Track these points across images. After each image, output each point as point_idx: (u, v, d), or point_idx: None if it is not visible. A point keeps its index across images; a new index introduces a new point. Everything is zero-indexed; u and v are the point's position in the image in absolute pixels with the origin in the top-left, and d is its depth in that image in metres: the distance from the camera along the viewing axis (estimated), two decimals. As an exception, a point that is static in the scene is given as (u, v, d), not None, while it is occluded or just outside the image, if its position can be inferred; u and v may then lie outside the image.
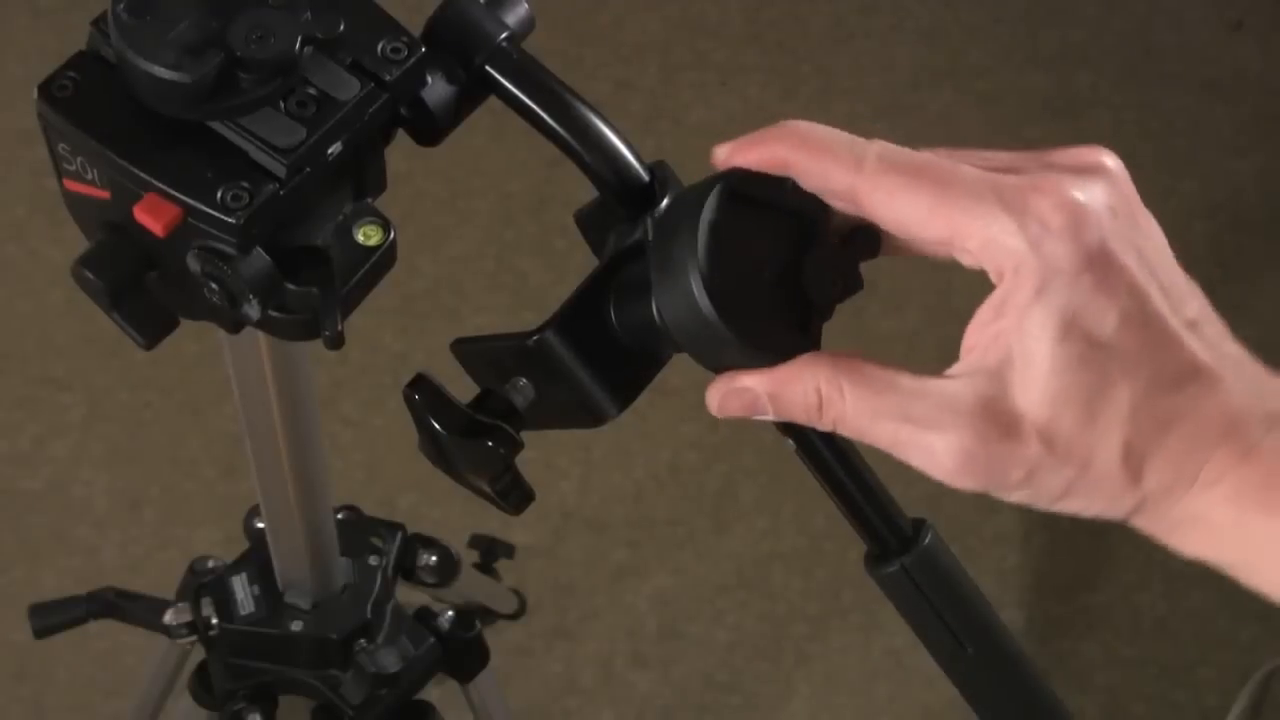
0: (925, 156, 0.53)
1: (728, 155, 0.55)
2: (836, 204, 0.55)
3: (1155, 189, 2.15)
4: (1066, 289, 0.50)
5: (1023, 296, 0.51)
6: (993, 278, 0.52)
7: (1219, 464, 0.51)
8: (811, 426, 0.55)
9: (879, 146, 0.53)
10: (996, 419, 0.51)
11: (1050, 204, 0.51)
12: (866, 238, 0.55)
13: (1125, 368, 0.51)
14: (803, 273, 0.55)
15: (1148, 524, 0.53)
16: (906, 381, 0.52)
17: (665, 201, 0.59)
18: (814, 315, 0.55)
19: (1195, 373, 0.51)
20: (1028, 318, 0.50)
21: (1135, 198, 0.54)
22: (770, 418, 0.55)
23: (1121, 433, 0.51)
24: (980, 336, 0.52)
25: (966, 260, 0.52)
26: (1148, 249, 0.52)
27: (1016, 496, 0.52)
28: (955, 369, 0.52)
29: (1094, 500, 0.52)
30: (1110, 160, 0.54)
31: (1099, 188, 0.52)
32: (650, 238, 0.57)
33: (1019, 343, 0.51)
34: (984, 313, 0.52)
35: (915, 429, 0.52)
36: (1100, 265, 0.51)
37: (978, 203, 0.51)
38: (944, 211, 0.51)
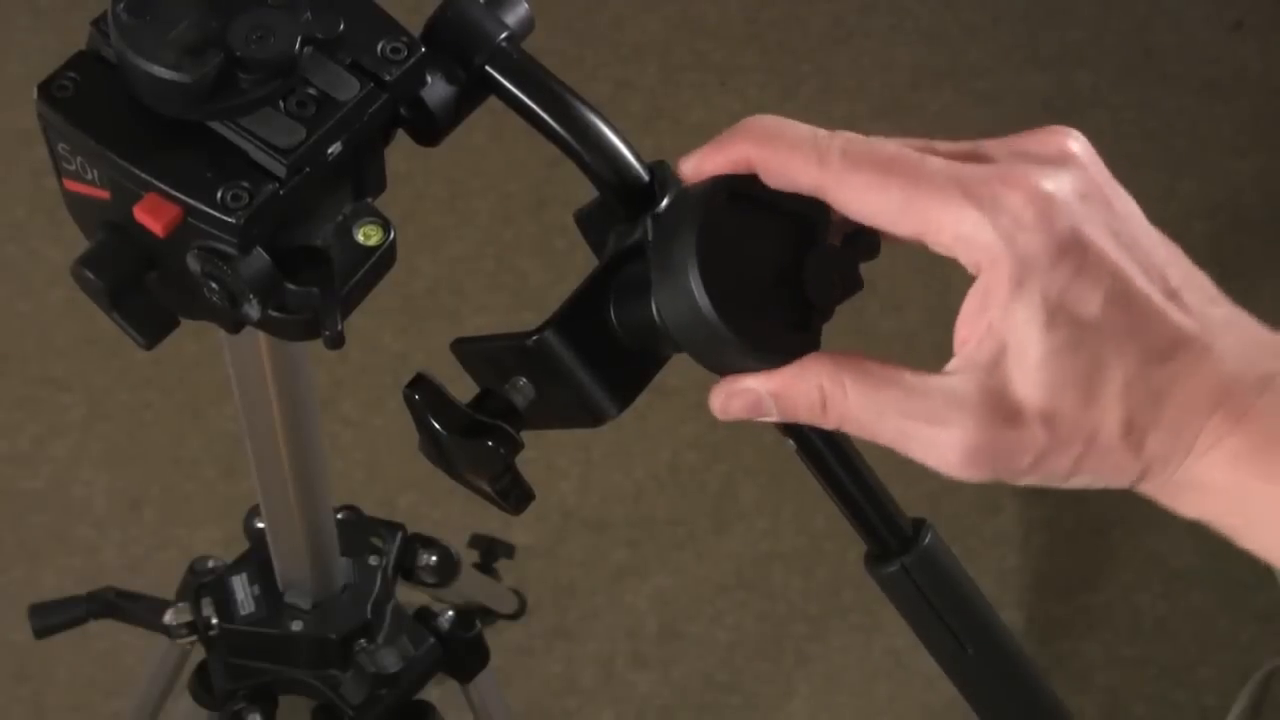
0: (892, 150, 0.53)
1: (695, 166, 0.55)
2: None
3: (1155, 189, 2.16)
4: (1044, 278, 0.51)
5: (1003, 289, 0.51)
6: (970, 270, 0.52)
7: (1215, 429, 0.52)
8: (816, 426, 0.55)
9: (842, 140, 0.53)
10: (999, 410, 0.51)
11: (1020, 196, 0.51)
12: (867, 239, 0.55)
13: (1115, 346, 0.51)
14: (803, 273, 0.55)
15: (1152, 490, 0.54)
16: (909, 378, 0.53)
17: (665, 201, 0.59)
18: (814, 315, 0.55)
19: (1184, 342, 0.52)
20: (1013, 311, 0.51)
21: (1105, 176, 0.54)
22: (774, 419, 0.55)
23: (1120, 408, 0.51)
24: (972, 330, 0.52)
25: (940, 250, 0.52)
26: (1122, 228, 0.53)
27: (1027, 480, 0.53)
28: (952, 364, 0.53)
29: (1101, 473, 0.53)
30: (1076, 144, 0.54)
31: (1067, 175, 0.52)
32: (650, 238, 0.57)
33: (1009, 334, 0.51)
34: (970, 304, 0.52)
35: (920, 424, 0.52)
36: (1076, 252, 0.51)
37: (947, 198, 0.51)
38: (914, 208, 0.52)
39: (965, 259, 0.52)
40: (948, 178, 0.52)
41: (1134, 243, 0.53)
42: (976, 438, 0.51)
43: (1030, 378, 0.51)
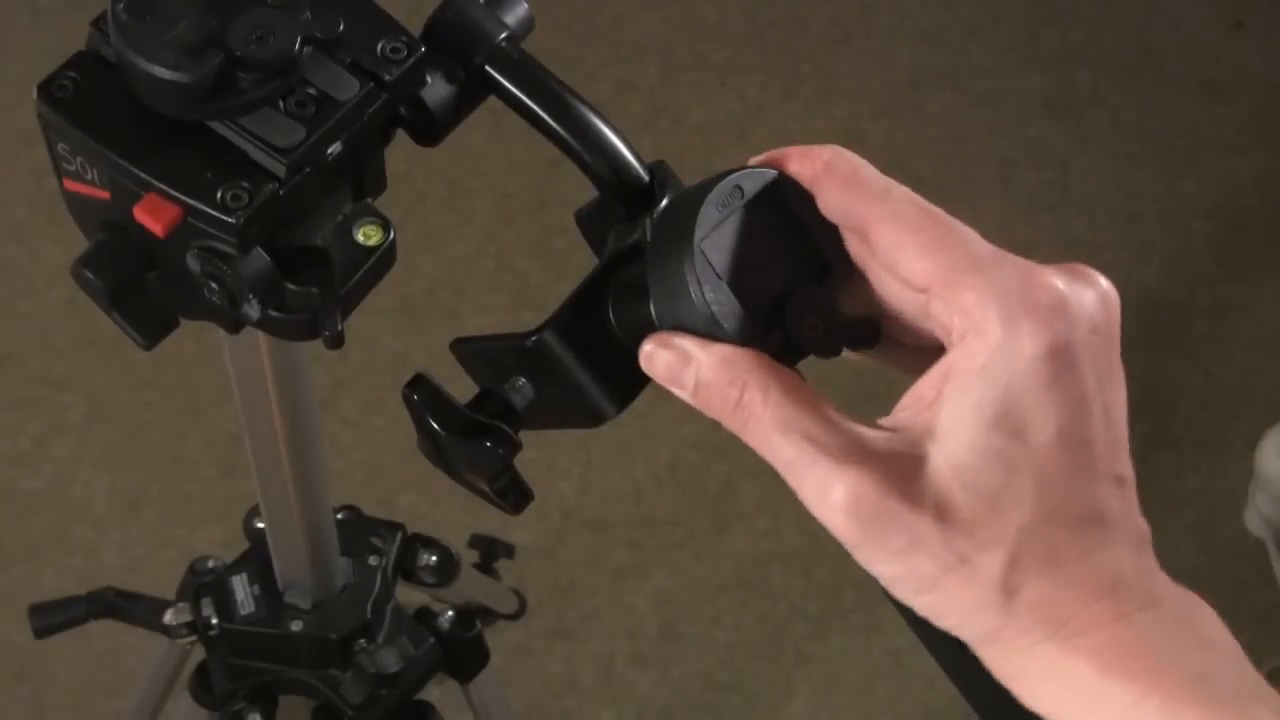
0: (948, 216, 0.52)
1: (768, 161, 0.55)
2: (847, 235, 0.54)
3: (1155, 189, 2.16)
4: (1015, 370, 0.49)
5: (973, 364, 0.49)
6: (955, 337, 0.50)
7: (1093, 616, 0.49)
8: (722, 423, 0.52)
9: (911, 190, 0.52)
10: (901, 474, 0.49)
11: (1038, 286, 0.50)
12: (866, 329, 0.55)
13: (1040, 482, 0.49)
14: (787, 299, 0.54)
15: (1000, 654, 0.51)
16: (832, 413, 0.51)
17: (664, 201, 0.59)
18: (783, 337, 0.54)
19: (1101, 521, 0.49)
20: (966, 390, 0.49)
21: (1118, 336, 0.52)
22: (685, 396, 0.53)
23: (1011, 544, 0.49)
24: (916, 398, 0.51)
25: (939, 313, 0.51)
26: (1109, 384, 0.51)
27: (886, 569, 0.50)
28: (882, 420, 0.51)
29: (959, 605, 0.50)
30: (1107, 284, 0.52)
31: (1092, 299, 0.51)
32: (648, 238, 0.57)
33: (949, 408, 0.49)
34: (931, 376, 0.50)
35: (818, 453, 0.50)
36: (1060, 361, 0.49)
37: (971, 260, 0.50)
38: (936, 257, 0.50)
39: (958, 324, 0.50)
40: (983, 248, 0.51)
41: (1111, 405, 0.51)
42: (868, 491, 0.49)
43: (945, 457, 0.49)
